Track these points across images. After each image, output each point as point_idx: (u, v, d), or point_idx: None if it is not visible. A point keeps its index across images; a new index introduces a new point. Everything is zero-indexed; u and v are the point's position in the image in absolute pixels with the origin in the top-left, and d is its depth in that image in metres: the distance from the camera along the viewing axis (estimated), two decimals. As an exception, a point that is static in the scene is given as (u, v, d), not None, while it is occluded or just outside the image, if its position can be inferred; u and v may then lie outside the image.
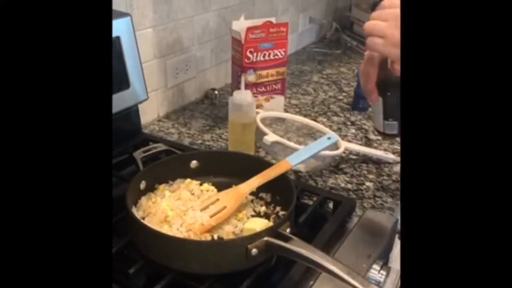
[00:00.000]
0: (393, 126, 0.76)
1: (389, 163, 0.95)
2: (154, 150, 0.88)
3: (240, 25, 1.03)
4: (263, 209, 0.73)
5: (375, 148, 1.01)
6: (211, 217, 0.67)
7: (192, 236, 0.64)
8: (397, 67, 0.61)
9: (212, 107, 1.21)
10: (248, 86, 1.00)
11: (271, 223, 0.68)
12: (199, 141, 1.04)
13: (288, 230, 0.63)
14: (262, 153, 0.97)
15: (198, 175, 0.78)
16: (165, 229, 0.65)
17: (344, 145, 0.93)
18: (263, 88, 1.08)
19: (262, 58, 1.04)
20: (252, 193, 0.74)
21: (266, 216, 0.72)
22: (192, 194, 0.74)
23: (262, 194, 0.75)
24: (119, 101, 0.89)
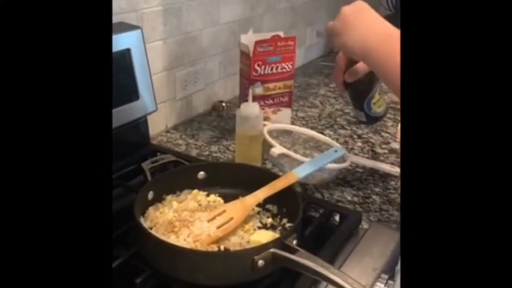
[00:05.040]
0: (360, 115, 0.87)
1: (395, 176, 0.95)
2: (162, 161, 0.89)
3: (249, 38, 1.04)
4: (269, 220, 0.74)
5: (382, 161, 1.01)
6: (218, 228, 0.68)
7: (199, 247, 0.65)
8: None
9: (219, 119, 1.22)
10: (255, 98, 1.01)
11: (277, 235, 0.68)
12: (207, 153, 1.04)
13: (294, 242, 0.63)
14: (268, 165, 0.98)
15: (205, 186, 0.79)
16: (172, 240, 0.65)
17: (350, 158, 0.93)
18: (271, 101, 1.08)
19: (269, 71, 1.05)
20: (258, 205, 0.74)
21: (273, 228, 0.72)
22: (199, 205, 0.75)
23: (269, 206, 0.76)
24: (129, 112, 0.90)
